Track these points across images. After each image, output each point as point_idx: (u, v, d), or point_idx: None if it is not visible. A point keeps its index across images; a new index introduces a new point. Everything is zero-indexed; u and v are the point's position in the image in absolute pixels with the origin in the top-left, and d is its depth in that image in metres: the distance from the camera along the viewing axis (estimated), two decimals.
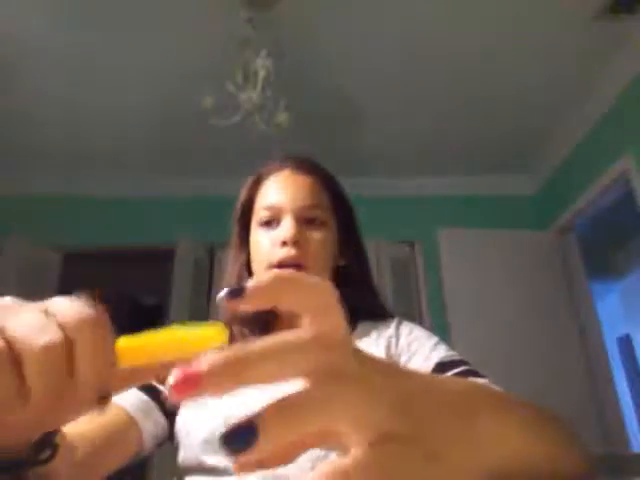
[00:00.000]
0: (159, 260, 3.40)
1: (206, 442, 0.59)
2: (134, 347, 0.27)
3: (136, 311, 5.12)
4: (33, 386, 0.24)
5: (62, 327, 0.25)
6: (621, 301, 4.92)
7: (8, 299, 0.27)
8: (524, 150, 3.22)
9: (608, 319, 4.17)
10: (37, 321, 0.25)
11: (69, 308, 0.26)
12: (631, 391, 4.70)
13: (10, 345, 0.24)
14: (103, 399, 0.26)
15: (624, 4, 2.14)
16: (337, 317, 0.24)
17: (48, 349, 0.24)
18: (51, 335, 0.24)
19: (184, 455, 0.62)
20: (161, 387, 0.66)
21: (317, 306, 0.23)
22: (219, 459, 0.58)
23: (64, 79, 2.58)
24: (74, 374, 0.25)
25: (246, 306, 0.22)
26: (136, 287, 4.80)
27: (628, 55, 2.41)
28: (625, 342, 4.90)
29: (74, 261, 3.33)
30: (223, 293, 0.22)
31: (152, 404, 0.64)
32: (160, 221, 3.40)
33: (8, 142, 3.06)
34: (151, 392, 0.65)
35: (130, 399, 0.62)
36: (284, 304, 0.23)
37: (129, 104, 2.77)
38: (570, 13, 2.20)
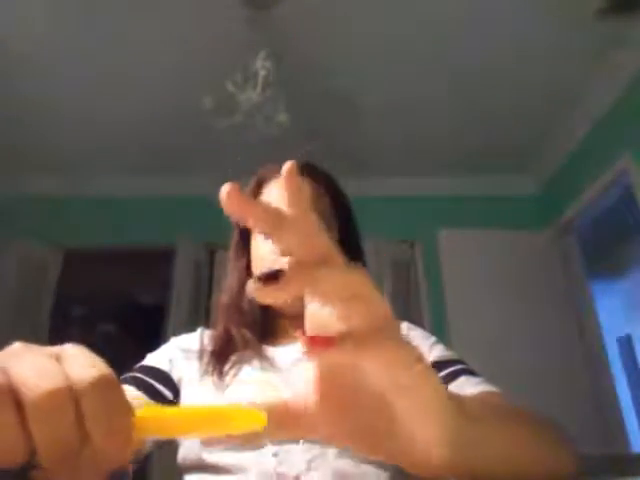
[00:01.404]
0: (159, 260, 3.40)
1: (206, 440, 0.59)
2: (155, 419, 0.25)
3: (136, 311, 5.13)
4: (35, 434, 0.22)
5: (71, 377, 0.23)
6: (621, 301, 4.91)
7: (18, 344, 0.25)
8: (524, 150, 3.22)
9: (608, 319, 4.16)
10: (43, 365, 0.23)
11: (81, 360, 0.24)
12: (631, 391, 4.69)
13: (13, 388, 0.22)
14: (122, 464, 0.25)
15: (624, 4, 2.14)
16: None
17: (50, 395, 0.22)
18: (55, 381, 0.22)
19: (184, 453, 0.63)
20: (158, 385, 0.66)
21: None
22: (219, 457, 0.58)
23: (63, 79, 2.58)
24: (86, 429, 0.23)
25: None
26: (136, 287, 4.80)
27: (628, 55, 2.41)
28: (625, 342, 4.89)
29: (74, 261, 3.33)
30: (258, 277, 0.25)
31: (151, 403, 0.64)
32: (160, 221, 3.39)
33: (8, 142, 3.06)
34: (149, 391, 0.65)
35: (129, 396, 0.62)
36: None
37: (129, 104, 2.77)
38: (570, 13, 2.20)
